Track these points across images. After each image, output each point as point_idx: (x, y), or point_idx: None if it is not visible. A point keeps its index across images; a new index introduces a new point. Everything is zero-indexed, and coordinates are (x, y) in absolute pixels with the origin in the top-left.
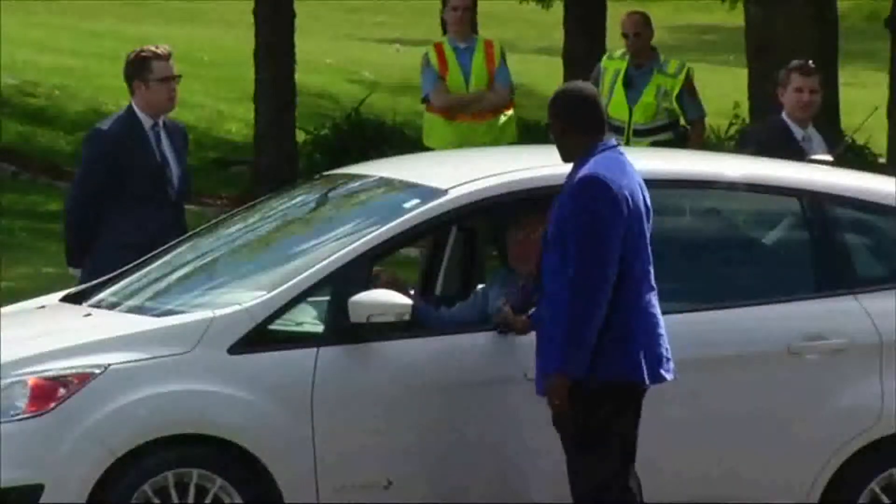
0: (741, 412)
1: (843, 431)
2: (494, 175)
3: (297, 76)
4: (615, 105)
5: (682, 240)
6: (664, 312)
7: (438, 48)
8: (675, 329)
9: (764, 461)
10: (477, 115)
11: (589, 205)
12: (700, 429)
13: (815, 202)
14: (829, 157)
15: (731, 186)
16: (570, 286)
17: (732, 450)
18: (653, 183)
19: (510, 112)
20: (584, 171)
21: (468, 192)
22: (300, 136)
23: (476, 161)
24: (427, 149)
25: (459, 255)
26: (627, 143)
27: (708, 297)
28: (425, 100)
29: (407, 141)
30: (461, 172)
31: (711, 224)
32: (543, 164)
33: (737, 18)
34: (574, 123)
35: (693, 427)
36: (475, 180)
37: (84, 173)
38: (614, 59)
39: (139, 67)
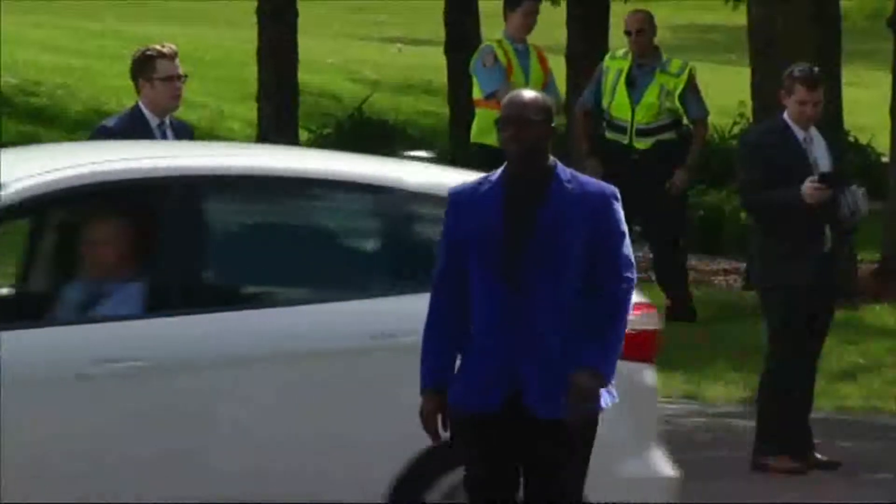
0: (310, 409)
1: (412, 431)
2: (61, 169)
3: (299, 75)
4: (618, 105)
5: (249, 237)
6: (235, 309)
7: (501, 46)
8: (238, 327)
9: (331, 459)
10: None
11: (623, 219)
12: (268, 426)
13: (389, 198)
14: (425, 154)
15: (305, 183)
16: (627, 294)
17: (299, 448)
18: (218, 180)
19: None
20: (602, 184)
21: (28, 186)
22: (303, 136)
23: (60, 155)
24: (479, 146)
25: (48, 247)
26: (631, 143)
27: (277, 296)
28: (490, 96)
29: (409, 139)
30: (32, 166)
31: (283, 220)
32: (124, 158)
33: (739, 18)
34: (553, 132)
35: (261, 424)
36: (39, 174)
37: None
38: (616, 59)
39: (144, 66)
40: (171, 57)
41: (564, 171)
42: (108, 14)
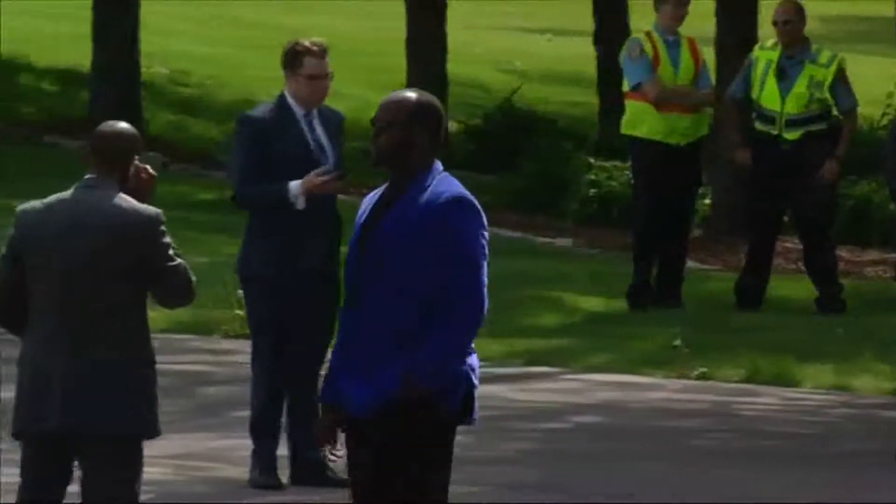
0: None
1: None
2: None
3: (447, 66)
4: (767, 96)
5: None
6: None
7: (650, 38)
8: None
9: None
10: (685, 108)
11: (480, 226)
12: None
13: None
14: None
15: None
16: (475, 303)
17: None
18: None
19: (710, 109)
20: (454, 191)
21: None
22: (451, 126)
23: None
24: (629, 137)
25: None
26: (780, 134)
27: None
28: (636, 87)
29: (558, 130)
30: None
31: None
32: None
33: (888, 9)
34: (438, 137)
35: None
36: None
37: (237, 157)
38: (766, 50)
39: (293, 61)
40: (320, 55)
41: (427, 177)
42: (260, 5)
